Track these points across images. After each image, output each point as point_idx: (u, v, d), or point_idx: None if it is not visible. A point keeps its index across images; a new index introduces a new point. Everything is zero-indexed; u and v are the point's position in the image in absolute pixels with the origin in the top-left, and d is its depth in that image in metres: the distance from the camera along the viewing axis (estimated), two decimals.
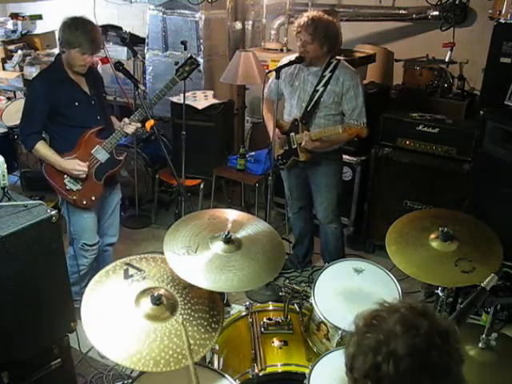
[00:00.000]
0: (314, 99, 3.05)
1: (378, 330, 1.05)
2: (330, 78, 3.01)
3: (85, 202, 2.86)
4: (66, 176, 2.81)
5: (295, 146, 3.15)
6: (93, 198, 2.88)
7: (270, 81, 3.26)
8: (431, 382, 1.02)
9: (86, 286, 2.96)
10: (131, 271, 1.95)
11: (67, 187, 2.82)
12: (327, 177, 3.25)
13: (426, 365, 1.02)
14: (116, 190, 3.14)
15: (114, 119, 3.09)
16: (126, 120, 2.88)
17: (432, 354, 1.02)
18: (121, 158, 2.99)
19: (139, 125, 2.89)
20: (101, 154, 2.86)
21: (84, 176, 2.80)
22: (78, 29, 2.66)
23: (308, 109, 3.08)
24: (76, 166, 2.78)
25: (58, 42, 2.76)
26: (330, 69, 3.02)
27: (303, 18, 2.93)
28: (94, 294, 1.86)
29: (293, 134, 3.15)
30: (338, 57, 3.13)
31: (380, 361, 1.02)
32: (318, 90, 3.03)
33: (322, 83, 3.02)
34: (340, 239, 3.49)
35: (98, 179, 2.88)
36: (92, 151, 2.84)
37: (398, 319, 1.05)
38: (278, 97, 3.05)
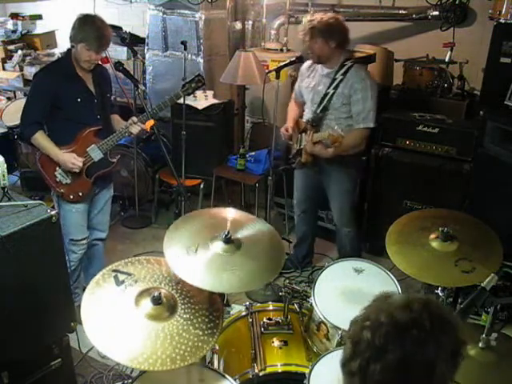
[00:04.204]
0: (324, 102, 3.05)
1: (380, 305, 1.11)
2: (341, 80, 2.99)
3: (71, 197, 2.90)
4: (57, 168, 2.85)
5: (302, 147, 3.17)
6: (80, 194, 2.92)
7: (296, 83, 3.35)
8: (402, 354, 1.03)
9: (75, 283, 3.03)
10: (121, 277, 1.94)
11: (57, 179, 2.87)
12: (340, 183, 3.23)
13: (402, 338, 1.04)
14: (107, 187, 3.16)
15: (117, 117, 3.10)
16: (135, 119, 2.91)
17: (413, 332, 1.04)
18: (114, 160, 3.02)
19: (144, 126, 2.92)
20: (95, 153, 2.89)
21: (77, 170, 2.84)
22: (86, 24, 2.73)
23: (318, 111, 3.08)
24: (72, 159, 2.82)
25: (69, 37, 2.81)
26: (342, 71, 3.00)
27: (304, 22, 2.95)
28: (91, 306, 1.83)
29: (303, 134, 3.18)
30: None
31: (364, 326, 1.07)
32: (328, 93, 3.03)
33: (332, 85, 3.01)
34: (354, 242, 3.45)
35: (88, 177, 2.93)
36: (87, 149, 2.87)
37: (400, 298, 1.11)
38: (302, 98, 3.15)
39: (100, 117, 2.91)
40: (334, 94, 3.02)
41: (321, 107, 3.07)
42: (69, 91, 2.80)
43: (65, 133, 2.84)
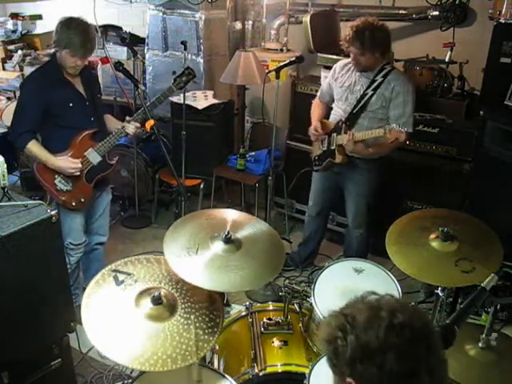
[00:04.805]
0: (362, 102, 3.02)
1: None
2: (381, 82, 2.97)
3: (74, 204, 2.85)
4: (56, 176, 2.79)
5: (334, 147, 3.12)
6: (82, 200, 2.87)
7: (322, 83, 3.33)
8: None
9: (73, 285, 3.03)
10: (121, 277, 1.93)
11: (57, 187, 2.80)
12: (359, 186, 3.21)
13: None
14: (107, 191, 3.13)
15: (110, 117, 3.07)
16: (128, 118, 2.88)
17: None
18: (113, 162, 2.98)
19: (138, 124, 2.88)
20: (93, 157, 2.84)
21: (78, 173, 2.79)
22: (70, 29, 2.62)
23: (354, 111, 3.05)
24: (70, 163, 2.76)
25: (52, 42, 2.73)
26: (382, 74, 2.98)
27: (348, 31, 2.90)
28: (91, 307, 1.83)
29: (335, 134, 3.12)
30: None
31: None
32: (366, 94, 3.00)
33: (372, 87, 2.99)
34: (363, 246, 3.43)
35: (88, 181, 2.88)
36: (85, 153, 2.82)
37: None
38: (328, 98, 3.16)
39: (93, 119, 2.86)
40: (373, 95, 2.98)
41: (358, 107, 3.03)
42: (60, 97, 2.72)
43: (59, 139, 2.78)
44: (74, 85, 2.79)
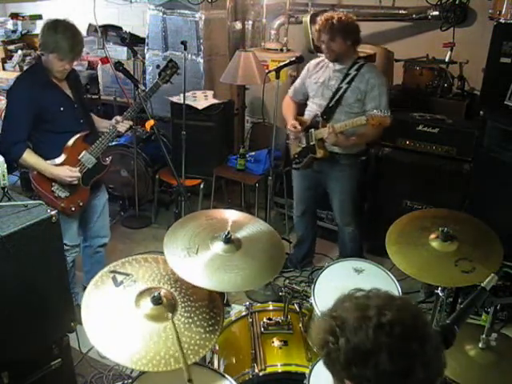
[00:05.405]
0: (337, 96, 3.05)
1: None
2: (355, 75, 3.01)
3: (73, 209, 2.81)
4: (53, 183, 2.74)
5: (313, 143, 3.12)
6: (80, 204, 2.85)
7: (296, 81, 3.35)
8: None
9: (70, 284, 3.00)
10: (119, 278, 1.92)
11: (56, 194, 2.75)
12: (341, 184, 3.23)
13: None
14: (102, 191, 3.10)
15: (96, 117, 3.04)
16: (119, 118, 2.84)
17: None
18: (107, 162, 2.93)
19: (131, 123, 2.86)
20: (88, 160, 2.80)
21: (77, 182, 2.75)
22: (57, 32, 2.54)
23: (330, 105, 3.07)
24: (68, 172, 2.72)
25: (38, 45, 2.64)
26: (355, 67, 3.02)
27: (318, 22, 2.97)
28: (92, 308, 1.82)
29: (312, 130, 3.13)
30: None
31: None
32: (341, 87, 3.04)
33: (346, 80, 3.03)
34: (356, 242, 3.45)
35: (85, 185, 2.84)
36: (79, 157, 2.78)
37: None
38: (301, 97, 3.21)
39: (83, 121, 2.81)
40: (347, 88, 3.02)
41: (333, 101, 3.06)
42: (51, 101, 2.66)
43: (51, 145, 2.71)
44: (61, 88, 2.73)
